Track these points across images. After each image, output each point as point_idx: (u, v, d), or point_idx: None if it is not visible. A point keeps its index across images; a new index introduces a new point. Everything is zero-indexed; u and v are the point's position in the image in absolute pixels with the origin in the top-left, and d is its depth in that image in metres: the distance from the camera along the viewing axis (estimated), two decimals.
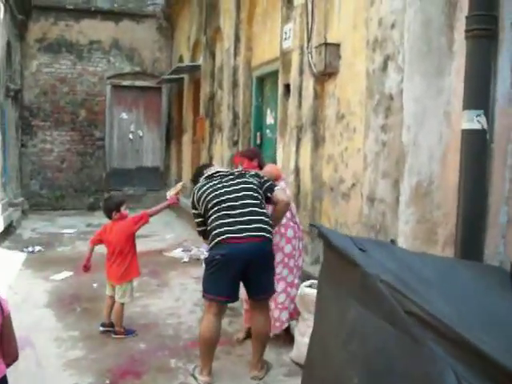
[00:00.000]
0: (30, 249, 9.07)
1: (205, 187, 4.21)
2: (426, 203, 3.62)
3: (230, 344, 4.93)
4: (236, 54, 8.49)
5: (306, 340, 4.58)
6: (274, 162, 6.52)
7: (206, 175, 4.41)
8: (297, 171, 6.00)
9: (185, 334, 5.30)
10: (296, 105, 5.98)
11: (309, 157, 5.76)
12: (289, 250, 4.80)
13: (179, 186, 5.20)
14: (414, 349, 1.76)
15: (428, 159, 3.61)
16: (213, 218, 4.07)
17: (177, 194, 5.13)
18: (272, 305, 4.64)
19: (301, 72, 5.90)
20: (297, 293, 4.88)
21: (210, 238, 4.08)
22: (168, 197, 5.15)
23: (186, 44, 12.64)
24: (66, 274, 7.40)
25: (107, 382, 4.24)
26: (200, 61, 11.08)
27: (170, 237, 10.37)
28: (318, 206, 5.75)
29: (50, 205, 13.97)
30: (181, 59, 13.42)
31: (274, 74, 7.50)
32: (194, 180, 4.58)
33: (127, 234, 5.03)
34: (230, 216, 4.01)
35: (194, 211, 4.32)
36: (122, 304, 5.17)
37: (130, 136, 14.88)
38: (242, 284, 4.19)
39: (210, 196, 4.13)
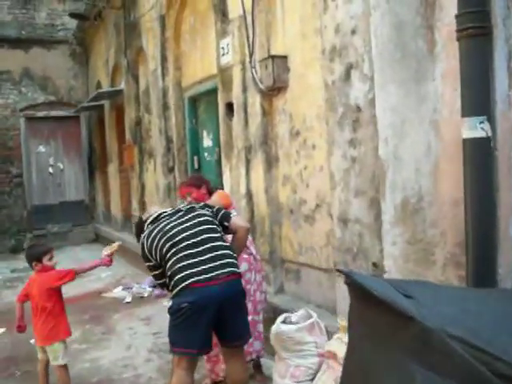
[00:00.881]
0: None
1: (153, 233, 3.67)
2: (417, 222, 3.27)
3: None
4: (164, 75, 7.98)
5: (287, 382, 4.21)
6: (218, 185, 6.03)
7: (149, 221, 3.86)
8: (249, 195, 5.56)
9: None
10: (242, 124, 5.56)
11: (262, 179, 5.35)
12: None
13: (115, 245, 4.62)
14: None
15: (414, 173, 3.27)
16: (171, 263, 3.53)
17: (111, 254, 4.55)
18: None
19: (244, 89, 5.49)
20: (259, 329, 4.49)
21: (171, 284, 3.54)
22: (102, 255, 4.56)
23: (104, 68, 11.99)
24: None
25: None
26: (122, 85, 10.48)
27: (106, 275, 9.57)
28: (277, 231, 5.32)
29: None
30: (99, 85, 12.74)
31: (209, 93, 7.08)
32: (138, 234, 3.99)
33: (49, 290, 4.35)
34: (190, 256, 3.50)
35: (148, 264, 3.76)
36: (64, 366, 4.44)
37: (50, 170, 13.97)
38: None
39: (162, 240, 3.59)
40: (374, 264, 3.87)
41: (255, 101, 5.34)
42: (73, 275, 4.38)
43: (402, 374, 1.61)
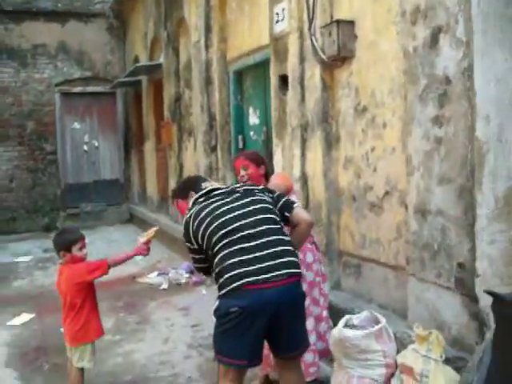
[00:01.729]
0: None
1: (202, 214, 3.07)
2: None
3: None
4: (208, 47, 7.41)
5: None
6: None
7: (196, 196, 3.24)
8: (304, 179, 4.97)
9: None
10: (298, 99, 4.97)
11: (320, 161, 4.76)
12: (311, 277, 3.85)
13: (152, 231, 4.01)
14: None
15: None
16: (222, 255, 2.95)
17: (148, 241, 3.97)
18: None
19: (302, 59, 4.90)
20: (327, 328, 3.95)
21: (219, 282, 2.97)
22: (138, 243, 4.00)
23: (142, 42, 11.48)
24: (26, 316, 6.18)
25: None
26: (161, 59, 9.96)
27: (141, 258, 9.13)
28: (336, 220, 4.75)
29: (0, 229, 12.50)
30: (136, 60, 12.25)
31: (257, 66, 6.52)
32: (179, 196, 3.45)
33: (78, 284, 3.79)
34: (245, 251, 2.91)
35: (188, 245, 3.19)
36: (81, 370, 3.91)
37: (85, 147, 13.57)
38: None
39: (212, 227, 3.00)
40: (460, 265, 3.28)
41: (314, 73, 4.75)
42: (105, 268, 3.80)
43: None
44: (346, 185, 4.63)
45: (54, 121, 13.17)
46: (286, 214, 3.17)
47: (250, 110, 6.91)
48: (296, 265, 2.99)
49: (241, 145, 7.13)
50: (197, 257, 3.21)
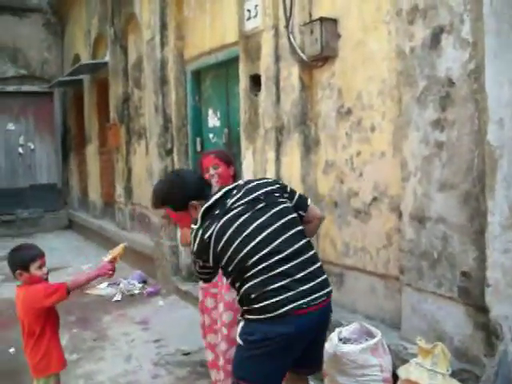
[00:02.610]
0: None
1: (227, 235, 2.64)
2: None
3: None
4: (163, 45, 7.05)
5: None
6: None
7: (206, 206, 2.74)
8: None
9: None
10: (273, 100, 4.72)
11: (297, 165, 4.54)
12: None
13: (119, 248, 3.53)
14: None
15: None
16: (259, 280, 2.59)
17: (114, 260, 3.54)
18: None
19: (277, 58, 4.66)
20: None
21: (253, 306, 2.61)
22: (102, 262, 3.55)
23: (84, 40, 10.93)
24: None
25: None
26: (106, 58, 9.48)
27: (87, 268, 8.62)
28: None
29: None
30: (76, 58, 11.66)
31: (218, 65, 6.24)
32: (173, 208, 2.91)
33: (36, 309, 3.34)
34: (285, 275, 2.58)
35: (198, 261, 2.80)
36: None
37: (20, 150, 12.88)
38: None
39: (246, 250, 2.60)
40: (464, 273, 3.13)
41: (291, 73, 4.52)
42: (64, 292, 3.29)
43: None
44: (326, 190, 4.43)
45: None
46: (302, 213, 2.87)
47: (210, 112, 6.61)
48: (329, 282, 2.76)
49: (199, 148, 6.82)
50: (205, 271, 2.86)
